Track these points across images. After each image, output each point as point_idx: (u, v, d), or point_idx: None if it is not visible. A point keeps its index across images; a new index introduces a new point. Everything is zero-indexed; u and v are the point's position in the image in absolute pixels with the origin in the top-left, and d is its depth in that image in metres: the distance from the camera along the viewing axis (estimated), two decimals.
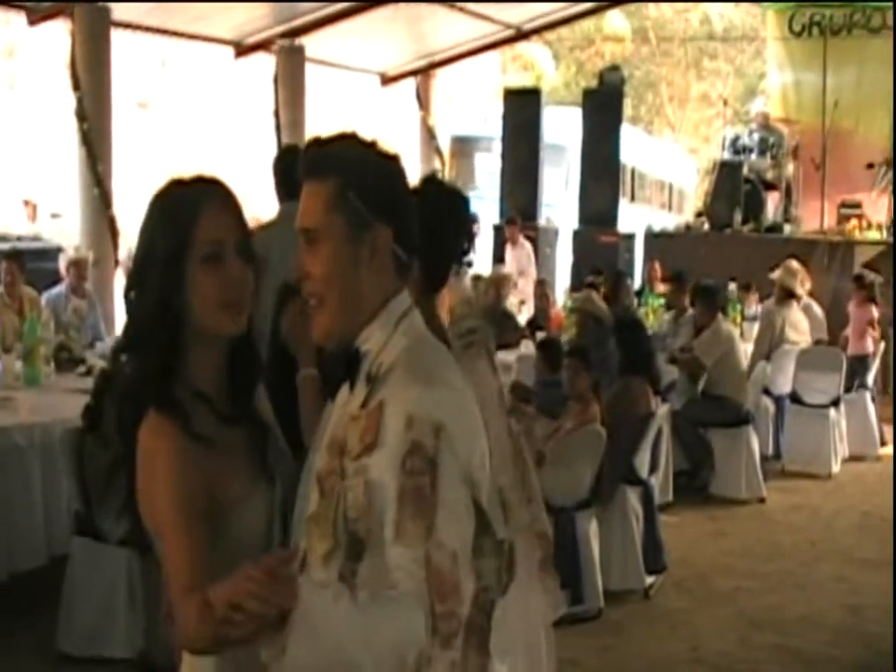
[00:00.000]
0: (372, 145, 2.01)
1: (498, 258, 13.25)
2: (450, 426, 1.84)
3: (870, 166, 14.54)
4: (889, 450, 10.32)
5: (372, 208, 1.93)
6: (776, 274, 10.45)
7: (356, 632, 1.78)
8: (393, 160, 2.02)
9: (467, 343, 2.77)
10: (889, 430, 10.61)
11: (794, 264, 11.05)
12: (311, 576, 1.88)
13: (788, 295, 10.40)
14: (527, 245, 13.25)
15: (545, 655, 2.95)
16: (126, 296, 2.12)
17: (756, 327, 10.56)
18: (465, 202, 2.96)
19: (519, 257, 13.01)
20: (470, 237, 2.92)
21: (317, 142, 2.03)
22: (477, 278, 11.59)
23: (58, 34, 11.05)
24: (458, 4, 14.38)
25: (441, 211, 2.83)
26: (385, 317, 1.94)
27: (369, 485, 1.84)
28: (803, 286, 10.99)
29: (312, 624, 1.73)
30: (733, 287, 11.68)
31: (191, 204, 2.05)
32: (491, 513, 1.95)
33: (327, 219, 1.93)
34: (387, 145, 2.02)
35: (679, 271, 9.68)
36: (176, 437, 1.98)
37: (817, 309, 11.20)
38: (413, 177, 3.08)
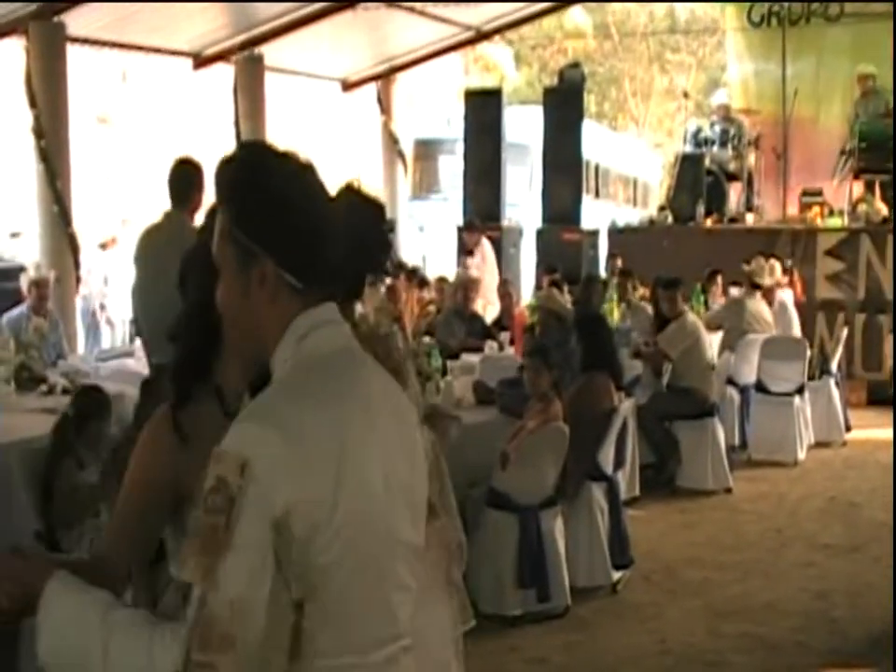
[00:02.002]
0: (279, 155, 1.94)
1: (462, 260, 13.26)
2: (258, 463, 1.68)
3: (843, 153, 14.63)
4: (854, 435, 10.43)
5: (254, 238, 1.87)
6: (747, 267, 10.63)
7: (98, 645, 1.78)
8: (293, 174, 1.93)
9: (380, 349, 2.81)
10: (853, 416, 10.71)
11: (777, 269, 11.17)
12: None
13: (753, 287, 10.54)
14: (489, 249, 13.10)
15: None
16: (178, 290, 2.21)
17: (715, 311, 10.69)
18: (381, 211, 2.98)
19: (482, 261, 12.90)
20: (385, 247, 2.94)
21: (222, 162, 1.99)
22: (443, 280, 11.65)
23: (13, 51, 11.01)
24: (418, 7, 14.41)
25: (356, 221, 2.87)
26: (285, 340, 1.89)
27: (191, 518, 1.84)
28: (772, 275, 11.10)
29: (67, 620, 1.80)
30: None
31: None
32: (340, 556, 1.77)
33: (221, 250, 1.92)
34: (303, 151, 1.99)
35: (672, 278, 9.62)
36: (163, 427, 2.15)
37: (791, 311, 11.25)
38: (375, 183, 3.11)
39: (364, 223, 2.79)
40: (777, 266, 11.20)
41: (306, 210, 1.89)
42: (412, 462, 1.92)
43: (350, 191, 2.90)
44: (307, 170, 1.94)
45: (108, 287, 14.12)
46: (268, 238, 1.87)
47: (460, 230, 14.05)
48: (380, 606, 1.82)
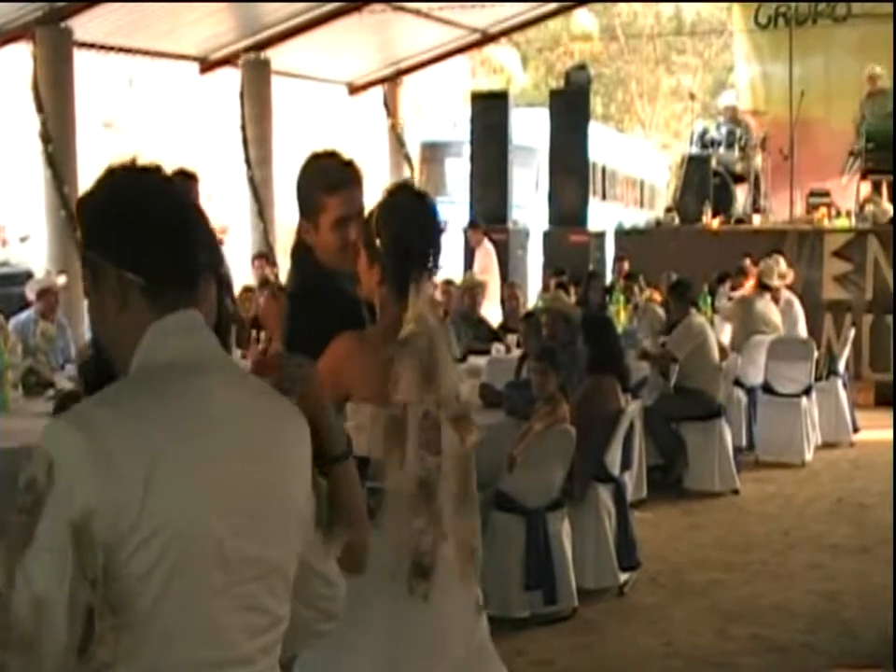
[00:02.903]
0: (114, 170, 1.90)
1: (469, 262, 13.32)
2: (61, 463, 1.64)
3: (852, 154, 14.61)
4: (861, 436, 10.41)
5: (93, 249, 1.85)
6: (750, 266, 10.63)
7: None
8: (127, 180, 1.89)
9: (402, 348, 2.83)
10: (860, 417, 10.70)
11: (777, 259, 11.17)
12: None
13: (762, 287, 10.54)
14: (491, 248, 13.29)
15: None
16: None
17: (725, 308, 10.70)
18: (431, 209, 3.01)
19: (482, 260, 13.09)
20: (435, 246, 2.96)
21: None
22: (449, 283, 11.65)
23: (20, 56, 11.05)
24: (424, 10, 14.44)
25: (406, 218, 2.90)
26: (137, 350, 1.83)
27: None
28: (782, 279, 11.10)
29: None
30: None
31: None
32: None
33: (83, 279, 1.89)
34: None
35: (678, 280, 9.61)
36: None
37: (797, 307, 11.25)
38: (382, 185, 3.14)
39: (413, 220, 2.83)
40: (782, 261, 11.20)
41: (142, 210, 1.84)
42: (274, 479, 1.83)
43: (402, 189, 2.94)
44: (148, 173, 1.90)
45: None
46: (103, 242, 1.84)
47: (466, 232, 14.13)
48: (207, 627, 1.73)
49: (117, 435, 1.68)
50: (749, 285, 11.00)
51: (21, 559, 1.63)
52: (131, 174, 1.89)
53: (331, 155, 3.28)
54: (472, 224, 13.53)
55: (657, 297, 11.01)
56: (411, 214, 2.92)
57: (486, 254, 13.22)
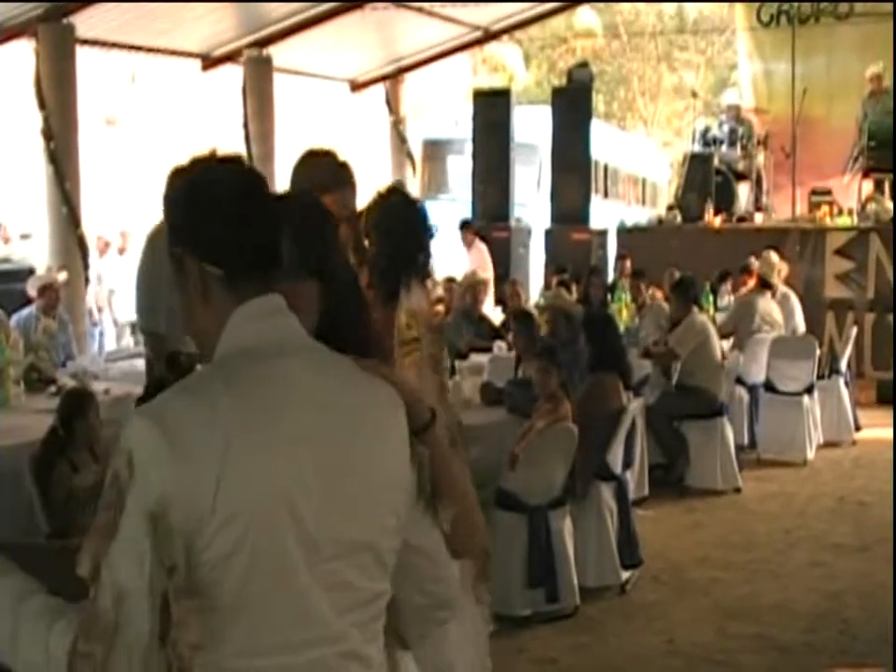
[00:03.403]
0: (191, 164, 1.93)
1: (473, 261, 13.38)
2: (138, 456, 1.69)
3: (854, 152, 14.59)
4: (863, 434, 10.41)
5: (176, 241, 1.88)
6: (755, 264, 10.61)
7: (7, 630, 1.79)
8: (201, 172, 1.91)
9: (408, 352, 2.81)
10: (862, 415, 10.69)
11: (772, 255, 11.18)
12: None
13: (763, 285, 10.53)
14: (483, 247, 13.45)
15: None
16: None
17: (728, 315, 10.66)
18: (422, 213, 3.00)
19: (475, 260, 13.24)
20: (425, 249, 2.95)
21: None
22: (451, 281, 11.66)
23: (23, 53, 11.05)
24: (426, 7, 14.42)
25: (398, 222, 2.89)
26: (221, 340, 1.85)
27: None
28: (779, 275, 11.13)
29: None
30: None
31: None
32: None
33: (171, 269, 1.91)
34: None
35: (680, 278, 9.57)
36: None
37: (794, 301, 11.28)
38: (381, 184, 3.14)
39: (405, 224, 2.82)
40: (774, 255, 11.22)
41: (215, 200, 1.86)
42: (360, 458, 1.84)
43: (394, 193, 2.93)
44: (224, 164, 1.92)
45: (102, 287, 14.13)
46: (184, 234, 1.87)
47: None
48: (294, 606, 1.75)
49: (191, 424, 1.72)
50: (752, 283, 10.99)
51: (107, 553, 1.68)
52: (206, 165, 1.91)
53: (326, 154, 3.24)
54: (464, 224, 13.66)
55: (659, 294, 11.00)
56: (401, 217, 2.91)
57: (479, 253, 13.40)
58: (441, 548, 1.98)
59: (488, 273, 12.87)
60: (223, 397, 1.75)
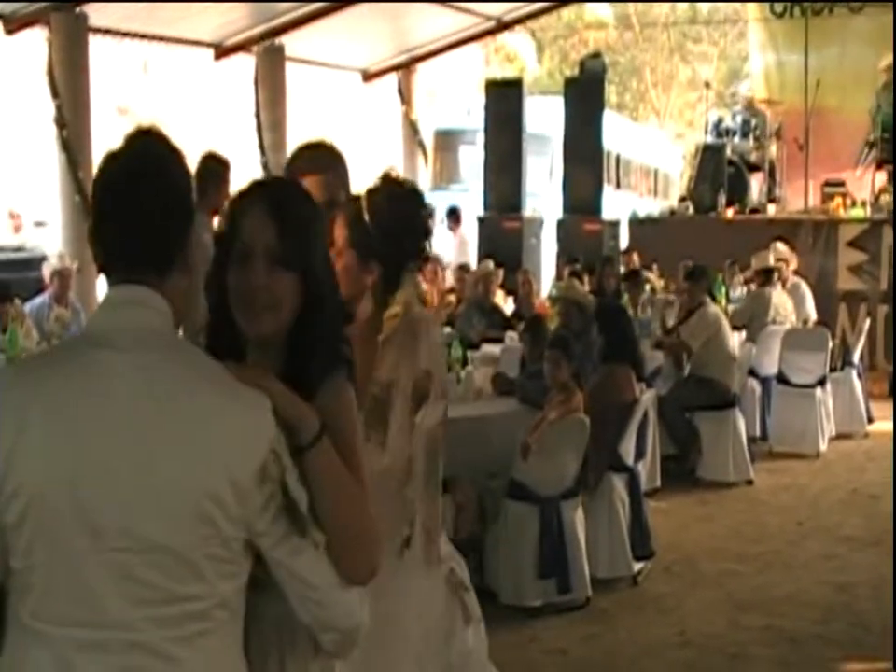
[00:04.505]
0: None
1: (484, 250, 13.42)
2: None
3: (867, 144, 14.54)
4: (876, 427, 10.38)
5: None
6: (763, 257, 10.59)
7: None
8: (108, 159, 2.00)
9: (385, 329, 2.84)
10: (875, 407, 10.66)
11: (780, 246, 11.16)
12: None
13: (773, 277, 10.51)
14: (465, 233, 14.36)
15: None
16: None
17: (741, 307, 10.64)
18: (419, 200, 2.99)
19: (458, 244, 14.21)
20: (426, 234, 2.94)
21: None
22: (464, 270, 11.66)
23: (36, 42, 11.06)
24: None
25: (395, 210, 2.87)
26: None
27: None
28: (788, 266, 11.11)
29: None
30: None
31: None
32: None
33: None
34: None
35: (693, 268, 9.55)
36: None
37: (805, 288, 11.27)
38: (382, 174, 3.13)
39: (403, 211, 2.81)
40: (780, 245, 11.20)
41: (95, 192, 1.97)
42: (171, 460, 1.82)
43: (388, 180, 2.91)
44: (127, 147, 1.96)
45: None
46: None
47: (480, 220, 14.21)
48: (76, 585, 1.81)
49: (2, 398, 1.84)
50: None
51: None
52: (109, 153, 1.97)
53: (316, 145, 3.18)
54: (451, 212, 14.41)
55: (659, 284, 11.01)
56: (398, 205, 2.90)
57: (461, 239, 14.35)
58: (320, 570, 1.93)
59: (468, 258, 13.44)
60: (37, 377, 1.87)
